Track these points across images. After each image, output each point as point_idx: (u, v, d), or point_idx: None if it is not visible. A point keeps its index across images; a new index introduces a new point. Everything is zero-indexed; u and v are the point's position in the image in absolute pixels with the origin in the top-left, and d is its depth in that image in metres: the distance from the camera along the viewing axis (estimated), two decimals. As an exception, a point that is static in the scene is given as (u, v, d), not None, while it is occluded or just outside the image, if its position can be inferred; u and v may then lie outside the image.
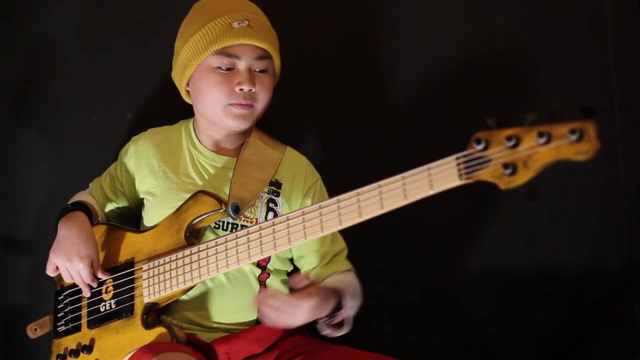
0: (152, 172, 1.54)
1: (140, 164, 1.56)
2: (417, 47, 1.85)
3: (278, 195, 1.51)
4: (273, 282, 1.51)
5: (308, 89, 1.82)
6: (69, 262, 1.44)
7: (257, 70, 1.47)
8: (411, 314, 1.81)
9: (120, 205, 1.62)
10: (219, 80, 1.45)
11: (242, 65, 1.45)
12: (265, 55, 1.47)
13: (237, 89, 1.44)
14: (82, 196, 1.63)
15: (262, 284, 1.50)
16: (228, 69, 1.45)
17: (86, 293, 1.47)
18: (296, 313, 1.28)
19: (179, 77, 1.52)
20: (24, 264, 1.80)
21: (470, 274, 1.84)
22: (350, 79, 1.84)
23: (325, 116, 1.83)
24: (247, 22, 1.44)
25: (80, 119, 1.80)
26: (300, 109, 1.82)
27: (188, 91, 1.54)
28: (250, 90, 1.45)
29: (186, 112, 1.60)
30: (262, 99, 1.48)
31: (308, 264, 1.53)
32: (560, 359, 1.81)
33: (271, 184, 1.52)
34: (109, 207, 1.62)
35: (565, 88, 1.85)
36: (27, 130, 1.80)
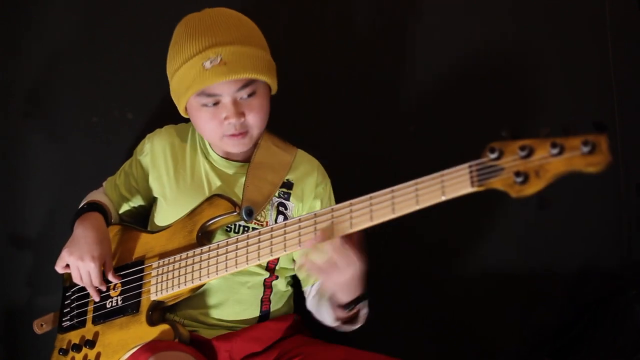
0: (167, 172, 1.55)
1: (156, 162, 1.56)
2: (418, 48, 1.85)
3: (289, 197, 1.52)
4: (279, 282, 1.52)
5: (311, 91, 1.82)
6: (81, 260, 1.43)
7: (244, 97, 1.43)
8: (411, 313, 1.82)
9: (135, 205, 1.62)
10: (208, 117, 1.43)
11: (226, 99, 1.41)
12: (247, 83, 1.41)
13: (226, 122, 1.42)
14: (96, 196, 1.62)
15: (268, 285, 1.51)
16: (214, 104, 1.42)
17: (95, 297, 1.47)
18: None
19: (176, 102, 1.50)
20: (25, 262, 1.80)
21: (469, 273, 1.84)
22: (353, 81, 1.84)
23: (328, 117, 1.84)
24: (219, 58, 1.37)
25: (81, 119, 1.81)
26: (305, 111, 1.82)
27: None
28: (240, 120, 1.43)
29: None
30: (256, 123, 1.45)
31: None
32: (559, 358, 1.81)
33: (282, 185, 1.52)
34: (124, 206, 1.62)
35: (565, 88, 1.86)
36: (28, 130, 1.80)
